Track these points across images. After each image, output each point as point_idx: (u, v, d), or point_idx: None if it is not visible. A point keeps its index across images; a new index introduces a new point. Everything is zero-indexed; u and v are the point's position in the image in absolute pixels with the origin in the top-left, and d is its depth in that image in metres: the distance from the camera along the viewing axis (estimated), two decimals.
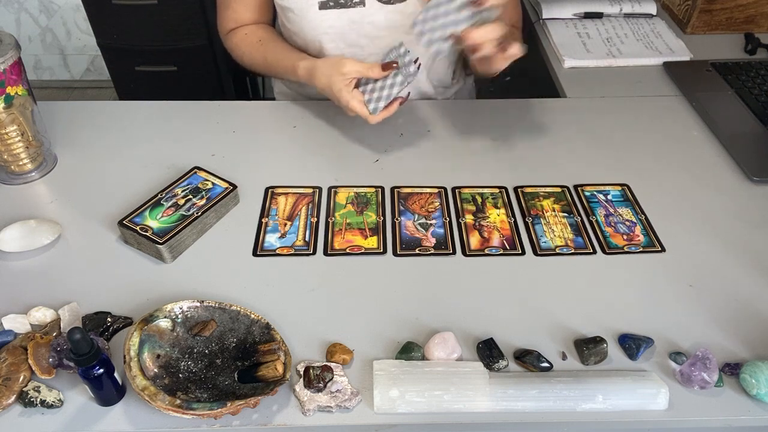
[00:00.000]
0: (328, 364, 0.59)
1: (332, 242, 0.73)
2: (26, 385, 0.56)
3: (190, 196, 0.75)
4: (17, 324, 0.62)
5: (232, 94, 1.99)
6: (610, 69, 1.09)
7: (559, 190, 0.82)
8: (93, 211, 0.77)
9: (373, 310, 0.65)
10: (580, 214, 0.78)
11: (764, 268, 0.71)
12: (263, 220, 0.76)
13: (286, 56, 0.92)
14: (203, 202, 0.75)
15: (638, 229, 0.76)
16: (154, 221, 0.71)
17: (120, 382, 0.56)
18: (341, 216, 0.77)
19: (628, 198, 0.81)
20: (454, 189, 0.81)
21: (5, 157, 0.80)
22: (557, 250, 0.73)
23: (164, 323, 0.59)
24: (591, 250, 0.73)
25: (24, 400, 0.56)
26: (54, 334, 0.61)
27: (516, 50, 0.75)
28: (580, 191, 0.82)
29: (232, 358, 0.59)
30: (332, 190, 0.81)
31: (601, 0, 1.24)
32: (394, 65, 0.80)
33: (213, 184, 0.77)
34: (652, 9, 1.23)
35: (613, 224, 0.77)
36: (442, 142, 0.90)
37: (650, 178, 0.84)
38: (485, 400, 0.56)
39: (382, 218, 0.77)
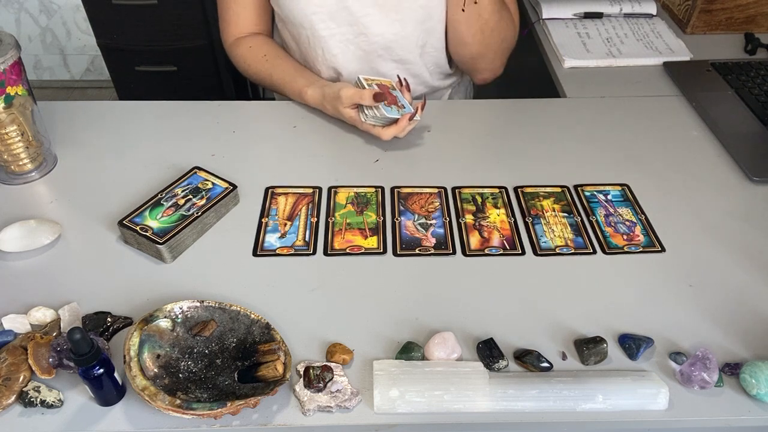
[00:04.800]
0: (328, 364, 0.59)
1: (332, 242, 0.73)
2: (26, 385, 0.56)
3: (190, 196, 0.75)
4: (17, 324, 0.62)
5: (232, 94, 1.99)
6: (610, 69, 1.09)
7: (559, 190, 0.82)
8: (93, 211, 0.77)
9: (373, 310, 0.65)
10: (580, 214, 0.78)
11: (764, 268, 0.71)
12: (263, 220, 0.76)
13: (292, 79, 0.95)
14: (203, 202, 0.75)
15: (638, 229, 0.76)
16: (154, 221, 0.71)
17: (120, 382, 0.56)
18: (341, 216, 0.77)
19: (628, 198, 0.81)
20: (454, 189, 0.81)
21: (5, 157, 0.80)
22: (557, 250, 0.73)
23: (164, 323, 0.59)
24: (591, 250, 0.73)
25: (24, 400, 0.56)
26: (54, 334, 0.61)
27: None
28: (580, 191, 0.82)
29: (232, 358, 0.59)
30: (332, 190, 0.81)
31: (601, 0, 1.24)
32: (384, 100, 0.82)
33: (213, 184, 0.77)
34: (652, 9, 1.23)
35: (613, 224, 0.77)
36: (442, 142, 0.90)
37: (650, 178, 0.84)
38: (485, 400, 0.56)
39: (382, 218, 0.77)
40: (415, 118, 0.85)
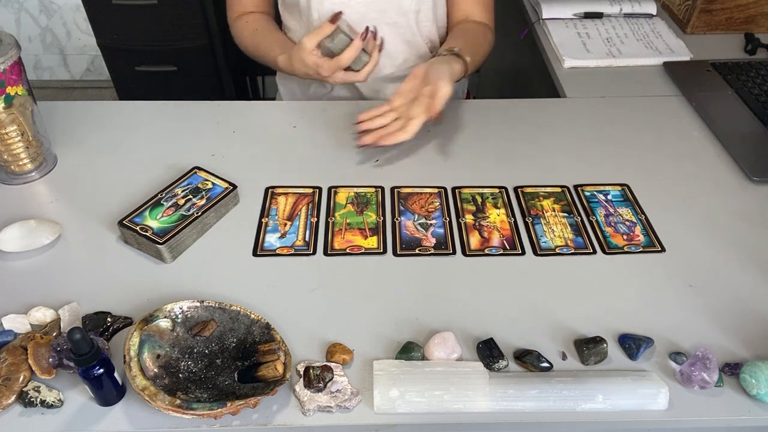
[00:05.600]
0: (328, 364, 0.59)
1: (332, 242, 0.73)
2: (26, 385, 0.56)
3: (190, 196, 0.75)
4: (17, 324, 0.62)
5: (232, 94, 1.99)
6: (610, 69, 1.09)
7: (559, 190, 0.82)
8: (93, 211, 0.77)
9: (373, 310, 0.65)
10: (580, 214, 0.78)
11: (764, 268, 0.71)
12: (263, 220, 0.76)
13: (272, 49, 0.99)
14: (203, 202, 0.75)
15: (638, 229, 0.76)
16: (154, 221, 0.71)
17: (120, 382, 0.56)
18: (341, 216, 0.77)
19: (628, 198, 0.81)
20: (454, 189, 0.81)
21: (5, 157, 0.80)
22: (557, 250, 0.73)
23: (164, 323, 0.59)
24: (591, 250, 0.73)
25: (24, 400, 0.56)
26: (54, 334, 0.61)
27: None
28: (580, 191, 0.82)
29: (232, 358, 0.59)
30: (332, 190, 0.81)
31: (601, 0, 1.24)
32: (338, 20, 0.84)
33: (213, 184, 0.77)
34: (652, 9, 1.23)
35: (613, 224, 0.77)
36: (442, 142, 0.90)
37: (650, 178, 0.84)
38: (485, 400, 0.56)
39: (382, 218, 0.77)
40: (374, 57, 0.88)
